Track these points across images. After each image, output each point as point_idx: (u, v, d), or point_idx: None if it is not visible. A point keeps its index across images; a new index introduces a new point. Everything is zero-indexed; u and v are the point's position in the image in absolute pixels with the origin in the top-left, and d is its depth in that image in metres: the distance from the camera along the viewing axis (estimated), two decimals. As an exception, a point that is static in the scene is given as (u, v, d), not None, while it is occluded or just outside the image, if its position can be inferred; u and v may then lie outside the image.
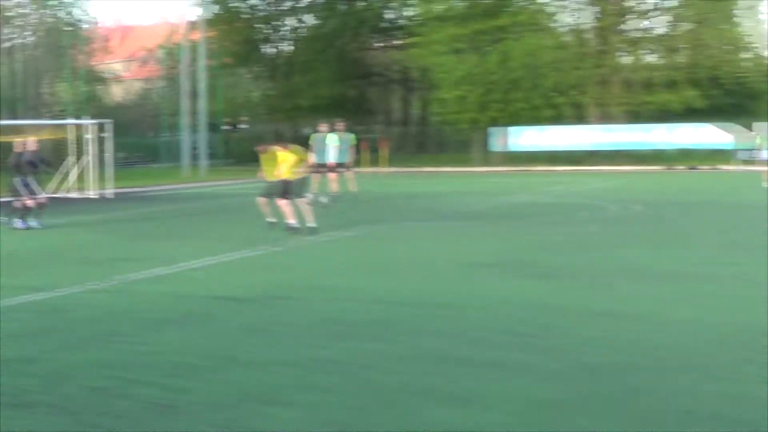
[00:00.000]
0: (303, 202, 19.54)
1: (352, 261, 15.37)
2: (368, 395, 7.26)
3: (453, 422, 6.54)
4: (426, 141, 71.88)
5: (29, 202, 22.26)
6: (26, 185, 22.30)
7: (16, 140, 24.41)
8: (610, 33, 52.84)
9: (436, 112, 58.59)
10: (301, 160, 19.73)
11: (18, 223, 22.22)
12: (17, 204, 22.40)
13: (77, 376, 7.97)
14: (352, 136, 29.09)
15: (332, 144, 28.21)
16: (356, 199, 27.62)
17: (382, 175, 45.28)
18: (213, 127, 56.67)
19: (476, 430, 6.38)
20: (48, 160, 25.32)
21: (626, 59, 56.35)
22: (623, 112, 53.15)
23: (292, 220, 19.20)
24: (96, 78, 71.83)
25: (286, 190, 19.39)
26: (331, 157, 28.22)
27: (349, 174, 28.55)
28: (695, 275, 13.21)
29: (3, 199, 24.63)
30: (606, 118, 53.40)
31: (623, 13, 53.93)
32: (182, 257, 15.76)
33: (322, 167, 27.79)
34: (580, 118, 54.92)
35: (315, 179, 27.28)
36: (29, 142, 23.25)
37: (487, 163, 53.80)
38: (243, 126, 74.42)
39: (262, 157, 20.22)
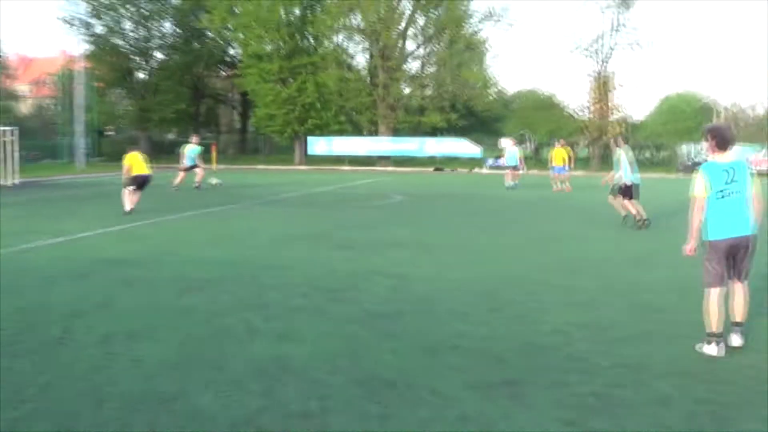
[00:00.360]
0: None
1: (197, 234, 15.09)
2: (218, 334, 7.22)
3: (277, 354, 6.59)
4: (247, 146, 71.84)
5: None
6: None
7: None
8: (381, 71, 53.39)
9: (254, 125, 59.07)
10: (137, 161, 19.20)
11: None
12: None
13: (-6, 319, 7.69)
14: (199, 148, 29.13)
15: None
16: (198, 189, 27.19)
17: (213, 172, 44.63)
18: (89, 133, 55.01)
19: (294, 359, 6.45)
20: None
21: (405, 90, 56.94)
22: (389, 128, 53.84)
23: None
24: (8, 96, 70.14)
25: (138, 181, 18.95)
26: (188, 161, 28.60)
27: (198, 170, 28.35)
28: (452, 245, 13.58)
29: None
30: (379, 132, 54.12)
31: (392, 56, 54.39)
32: (71, 230, 15.22)
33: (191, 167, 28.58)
34: (359, 132, 55.74)
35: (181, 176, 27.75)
36: None
37: (294, 163, 54.14)
38: (110, 133, 72.69)
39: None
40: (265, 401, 5.40)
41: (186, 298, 8.80)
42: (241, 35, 55.57)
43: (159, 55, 65.23)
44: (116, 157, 60.77)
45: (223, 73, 72.97)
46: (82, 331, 7.24)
